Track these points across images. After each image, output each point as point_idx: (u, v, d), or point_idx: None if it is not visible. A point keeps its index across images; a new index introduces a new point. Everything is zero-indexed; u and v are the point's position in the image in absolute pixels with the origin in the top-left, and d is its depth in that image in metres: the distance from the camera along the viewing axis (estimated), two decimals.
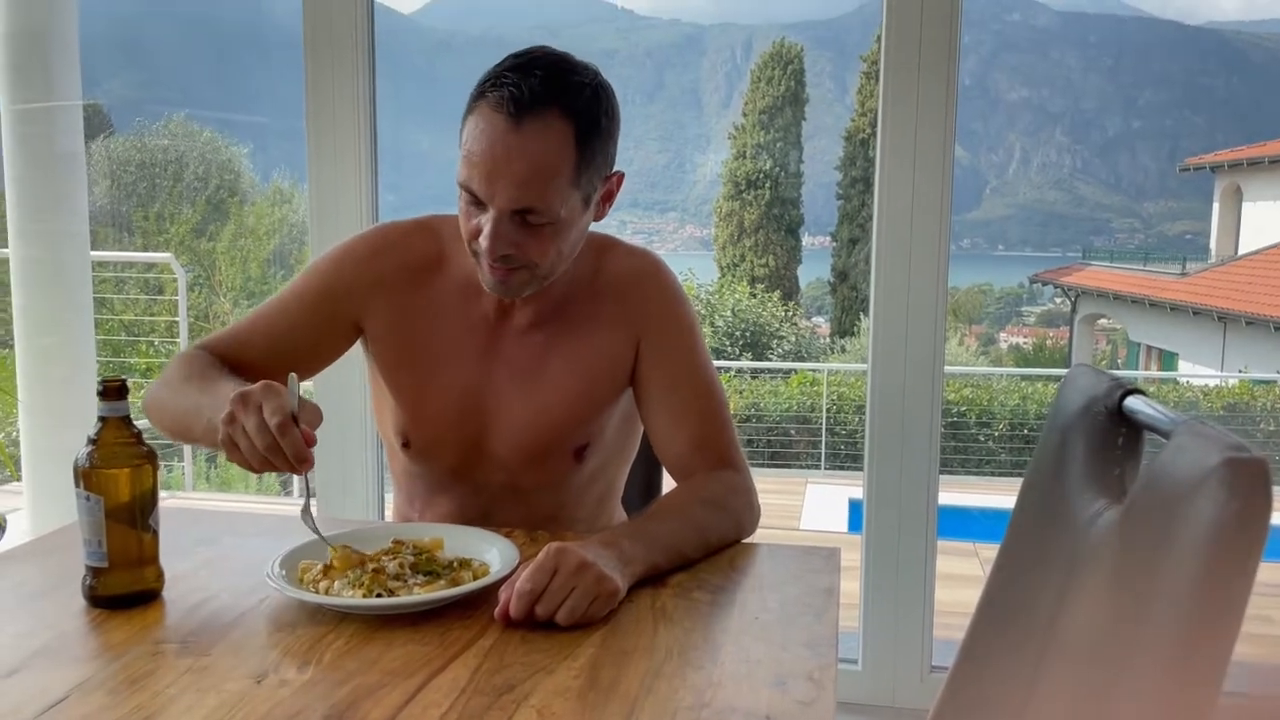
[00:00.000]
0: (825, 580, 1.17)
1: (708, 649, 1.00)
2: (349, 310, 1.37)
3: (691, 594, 1.12)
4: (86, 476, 1.06)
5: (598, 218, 1.31)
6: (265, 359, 1.34)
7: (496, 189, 1.18)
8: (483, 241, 1.20)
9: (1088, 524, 0.63)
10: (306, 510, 1.16)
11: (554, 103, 1.17)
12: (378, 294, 1.36)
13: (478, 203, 1.21)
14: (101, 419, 1.07)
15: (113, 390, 1.07)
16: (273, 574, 1.09)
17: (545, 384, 1.34)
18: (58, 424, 3.64)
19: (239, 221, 17.52)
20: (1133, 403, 0.70)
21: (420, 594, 1.06)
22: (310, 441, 1.07)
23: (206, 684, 0.92)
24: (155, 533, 1.10)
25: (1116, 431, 0.67)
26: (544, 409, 1.33)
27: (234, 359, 1.33)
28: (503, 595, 1.04)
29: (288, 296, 1.39)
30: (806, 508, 6.77)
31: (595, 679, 0.92)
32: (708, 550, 1.22)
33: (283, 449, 1.05)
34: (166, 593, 1.12)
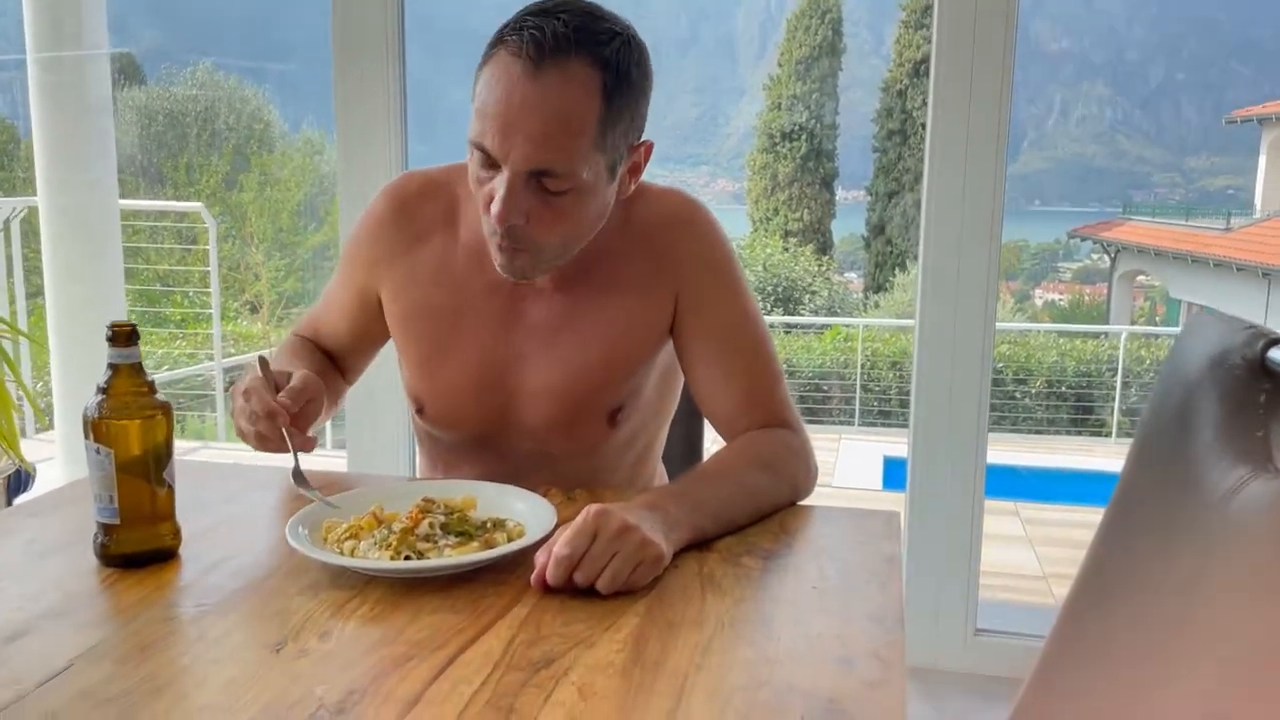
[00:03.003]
0: (886, 547, 1.08)
1: (761, 621, 0.92)
2: (373, 288, 1.32)
3: (741, 560, 1.04)
4: (96, 428, 0.99)
5: (620, 195, 1.19)
6: (339, 348, 1.40)
7: (512, 145, 1.05)
8: (494, 207, 1.08)
9: (1227, 496, 0.54)
10: (297, 472, 1.12)
11: (580, 49, 1.05)
12: (388, 263, 1.30)
13: (491, 164, 1.09)
14: (112, 367, 1.00)
15: (122, 335, 0.99)
16: (295, 534, 1.02)
17: (573, 348, 1.23)
18: (89, 372, 3.61)
19: (264, 170, 17.50)
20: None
21: (452, 556, 0.99)
22: (285, 406, 1.11)
23: (221, 652, 0.85)
24: (171, 488, 1.03)
25: (1258, 388, 0.58)
26: (573, 375, 1.23)
27: (320, 345, 1.41)
28: (539, 560, 0.96)
29: (335, 286, 1.39)
30: (840, 464, 6.69)
31: (640, 653, 0.85)
32: (759, 515, 1.14)
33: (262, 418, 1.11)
34: (184, 551, 1.06)
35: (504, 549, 1.00)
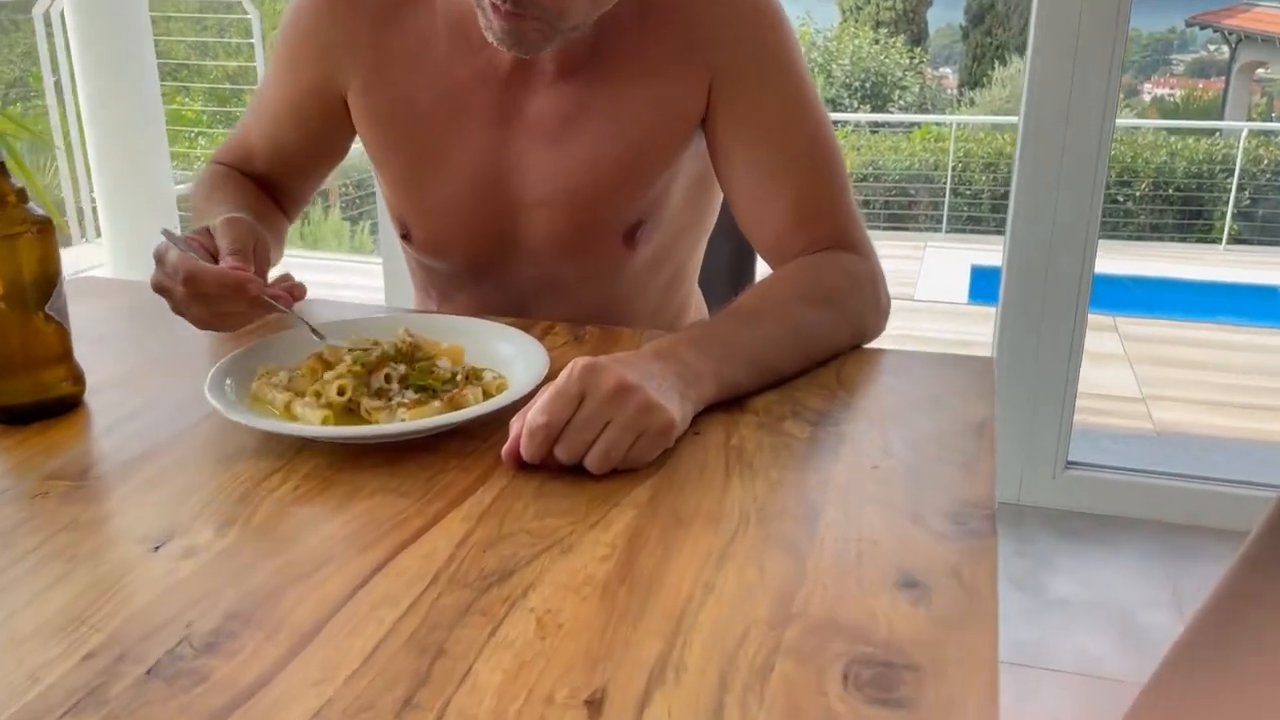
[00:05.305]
0: (978, 409, 0.83)
1: (803, 517, 0.68)
2: (335, 83, 1.03)
3: (782, 425, 0.80)
4: None
5: None
6: (281, 170, 1.13)
7: None
8: None
9: None
10: (313, 330, 0.87)
11: None
12: (351, 48, 1.01)
13: None
14: None
15: None
16: (217, 386, 0.80)
17: (581, 148, 0.97)
18: (126, 172, 3.47)
19: None
20: None
21: (403, 420, 0.77)
22: (240, 269, 0.85)
23: (85, 549, 0.65)
24: (60, 324, 0.82)
25: None
26: (581, 181, 0.98)
27: (248, 172, 1.13)
28: (514, 428, 0.74)
29: (273, 91, 1.09)
30: (924, 274, 6.34)
31: (632, 562, 0.63)
32: (811, 363, 0.89)
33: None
34: (91, 399, 0.86)
35: (470, 412, 0.77)
